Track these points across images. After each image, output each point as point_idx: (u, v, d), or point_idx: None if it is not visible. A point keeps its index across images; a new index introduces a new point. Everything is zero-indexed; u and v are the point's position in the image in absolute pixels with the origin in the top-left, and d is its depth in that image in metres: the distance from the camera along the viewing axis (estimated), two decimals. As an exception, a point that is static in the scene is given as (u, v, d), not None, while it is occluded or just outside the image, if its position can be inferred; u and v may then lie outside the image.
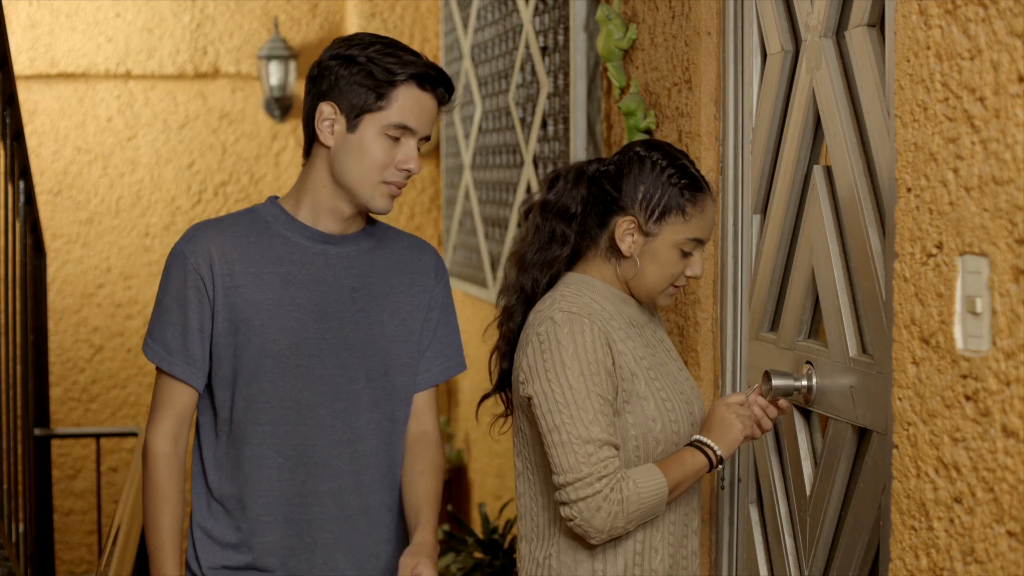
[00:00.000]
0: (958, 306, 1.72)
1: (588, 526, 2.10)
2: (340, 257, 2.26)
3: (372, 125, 2.16)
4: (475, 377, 5.32)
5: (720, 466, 2.22)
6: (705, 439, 2.21)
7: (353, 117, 2.16)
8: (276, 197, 2.30)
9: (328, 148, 2.19)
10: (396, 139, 2.17)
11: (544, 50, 4.04)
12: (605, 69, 3.09)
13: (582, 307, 2.19)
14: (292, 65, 5.89)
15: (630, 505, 2.10)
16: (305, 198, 2.24)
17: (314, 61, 2.23)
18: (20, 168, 3.97)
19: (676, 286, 2.26)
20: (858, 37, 2.19)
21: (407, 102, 2.16)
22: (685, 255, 2.23)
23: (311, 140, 2.23)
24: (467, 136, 5.13)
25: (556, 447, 2.12)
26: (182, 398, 2.22)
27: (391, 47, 2.18)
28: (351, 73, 2.15)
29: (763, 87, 2.57)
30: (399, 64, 2.16)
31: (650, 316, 2.34)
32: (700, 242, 2.24)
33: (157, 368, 2.22)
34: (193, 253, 2.18)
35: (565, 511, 2.12)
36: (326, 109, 2.17)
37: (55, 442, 5.56)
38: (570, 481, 2.10)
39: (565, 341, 2.15)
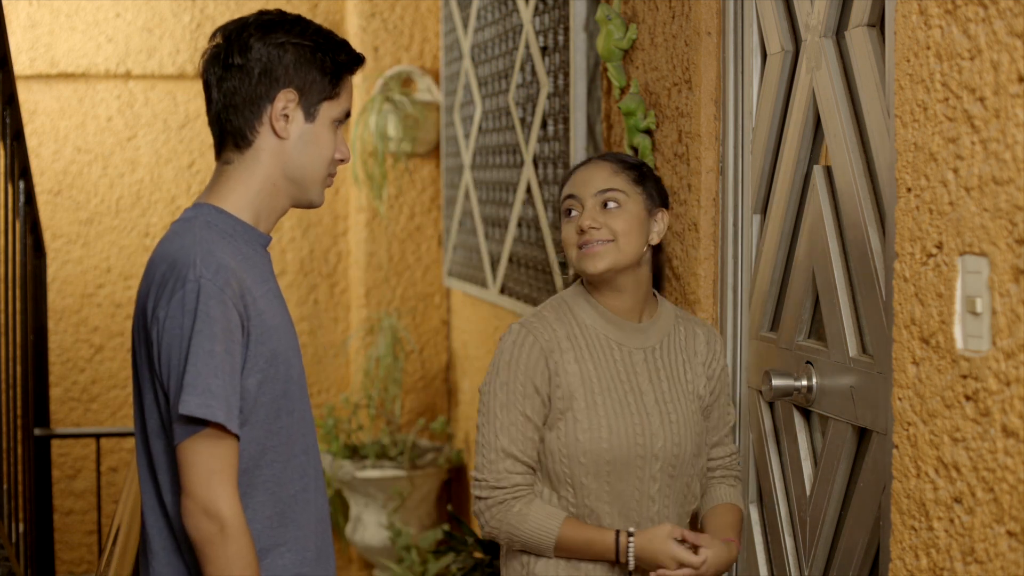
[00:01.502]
0: (958, 306, 1.73)
1: (481, 520, 2.31)
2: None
3: (327, 114, 2.03)
4: (475, 378, 5.32)
5: (623, 562, 2.25)
6: (632, 534, 2.24)
7: (313, 105, 2.01)
8: (206, 204, 2.03)
9: (282, 140, 2.01)
10: (335, 128, 2.06)
11: (544, 50, 4.04)
12: (605, 69, 3.09)
13: (541, 322, 2.33)
14: (292, 65, 5.88)
15: (509, 528, 2.28)
16: (252, 199, 2.02)
17: (226, 47, 2.00)
18: (20, 168, 3.97)
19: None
20: (858, 37, 2.19)
21: (350, 89, 2.07)
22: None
23: (244, 133, 2.00)
24: (467, 136, 5.13)
25: (475, 444, 2.33)
26: (237, 457, 1.92)
27: (325, 31, 2.04)
28: (304, 59, 1.99)
29: (763, 87, 2.57)
30: (344, 50, 2.04)
31: (657, 343, 2.38)
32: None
33: (213, 426, 1.88)
34: (228, 286, 1.90)
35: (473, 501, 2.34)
36: (287, 97, 1.99)
37: (55, 442, 5.56)
38: (476, 479, 2.31)
39: (506, 351, 2.31)
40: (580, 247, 2.31)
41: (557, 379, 2.29)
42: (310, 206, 2.09)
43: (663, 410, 2.32)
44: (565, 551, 2.27)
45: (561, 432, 2.28)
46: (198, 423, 1.87)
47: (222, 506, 1.87)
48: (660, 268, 2.50)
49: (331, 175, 2.08)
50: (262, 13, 2.03)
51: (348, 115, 2.08)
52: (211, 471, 1.87)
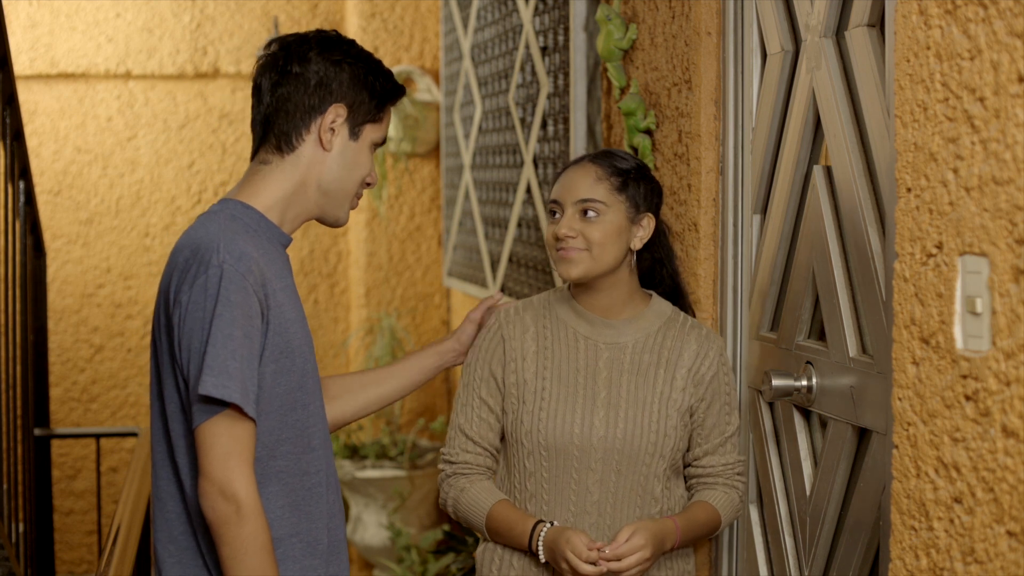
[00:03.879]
0: (958, 306, 1.73)
1: (440, 490, 2.46)
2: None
3: (368, 136, 2.12)
4: (475, 377, 5.31)
5: (534, 551, 2.30)
6: (551, 526, 2.29)
7: (358, 124, 2.10)
8: (233, 199, 2.08)
9: (325, 152, 2.08)
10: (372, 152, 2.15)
11: (544, 50, 4.04)
12: (605, 69, 3.09)
13: (515, 311, 2.44)
14: (292, 65, 5.87)
15: (454, 501, 2.41)
16: (281, 200, 2.08)
17: (285, 55, 2.08)
18: (20, 168, 3.97)
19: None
20: (858, 37, 2.19)
21: (389, 118, 2.16)
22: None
23: (290, 138, 2.07)
24: (467, 136, 5.13)
25: None
26: (254, 440, 1.95)
27: (375, 58, 2.14)
28: (358, 79, 2.08)
29: (763, 87, 2.57)
30: (392, 79, 2.14)
31: (631, 342, 2.39)
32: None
33: (231, 408, 1.92)
34: (250, 273, 1.95)
35: None
36: (337, 111, 2.07)
37: (55, 442, 5.56)
38: (440, 452, 2.48)
39: (479, 336, 2.47)
40: (558, 250, 2.36)
41: (512, 364, 2.40)
42: (336, 223, 2.16)
43: (612, 404, 2.35)
44: (493, 532, 2.37)
45: (511, 415, 2.39)
46: (216, 404, 1.91)
47: (238, 487, 1.90)
48: (656, 267, 2.49)
49: (358, 196, 2.15)
50: (321, 32, 2.13)
51: (384, 141, 2.16)
52: (228, 452, 1.91)
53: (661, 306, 2.45)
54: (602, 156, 2.41)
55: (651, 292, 2.47)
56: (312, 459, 2.07)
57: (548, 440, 2.35)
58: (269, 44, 2.12)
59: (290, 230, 2.12)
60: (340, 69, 2.07)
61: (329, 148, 2.08)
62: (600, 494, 2.34)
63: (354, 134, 2.09)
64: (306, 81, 2.06)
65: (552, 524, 2.30)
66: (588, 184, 2.35)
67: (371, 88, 2.09)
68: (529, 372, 2.39)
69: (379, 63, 2.13)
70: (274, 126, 2.08)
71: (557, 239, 2.35)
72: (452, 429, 2.44)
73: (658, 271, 2.49)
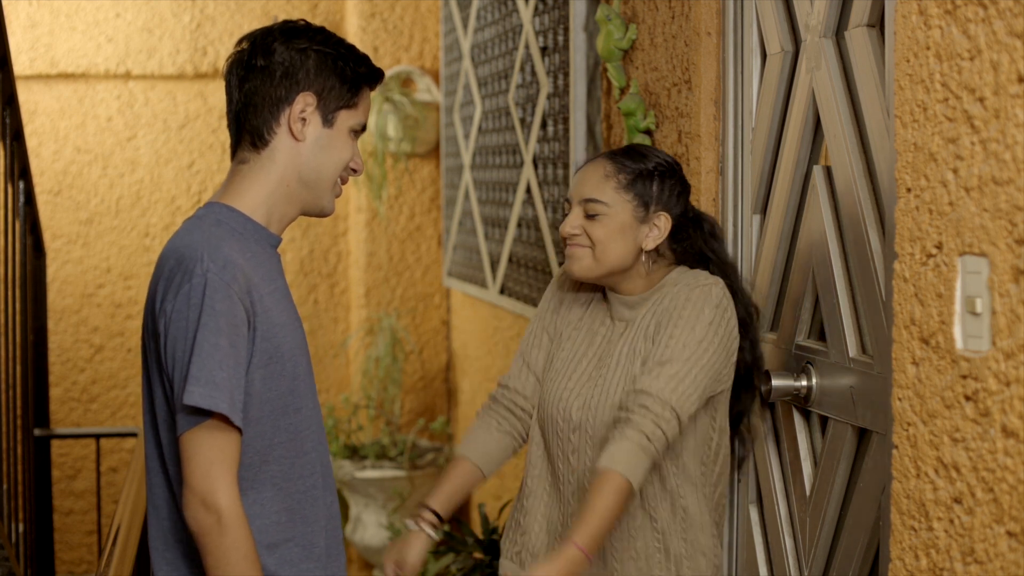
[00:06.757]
0: (958, 306, 1.73)
1: None
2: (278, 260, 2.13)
3: (344, 122, 2.07)
4: (475, 377, 5.32)
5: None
6: (431, 513, 2.42)
7: (330, 112, 2.05)
8: (218, 203, 2.05)
9: (298, 143, 2.04)
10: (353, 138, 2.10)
11: (544, 50, 4.04)
12: (605, 69, 3.09)
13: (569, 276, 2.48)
14: (292, 65, 5.87)
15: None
16: (265, 199, 2.05)
17: (250, 50, 2.05)
18: (20, 168, 3.97)
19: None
20: (858, 37, 2.19)
21: (368, 102, 2.12)
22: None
23: (261, 132, 2.04)
24: (467, 136, 5.13)
25: None
26: (238, 450, 1.93)
27: (347, 43, 2.10)
28: (326, 66, 2.04)
29: (763, 87, 2.57)
30: (365, 63, 2.09)
31: (640, 315, 2.36)
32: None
33: (216, 418, 1.90)
34: (235, 281, 1.92)
35: None
36: (306, 100, 2.03)
37: (55, 442, 5.55)
38: None
39: (549, 286, 2.54)
40: (565, 246, 2.37)
41: (556, 316, 2.47)
42: (321, 214, 2.11)
43: (602, 376, 2.33)
44: None
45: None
46: (201, 414, 1.89)
47: (220, 497, 1.89)
48: (705, 254, 2.36)
49: (343, 181, 2.11)
50: (287, 22, 2.09)
51: (364, 128, 2.11)
52: (211, 462, 1.89)
53: (678, 274, 2.33)
54: (620, 152, 2.35)
55: (678, 266, 2.36)
56: (307, 463, 2.05)
57: (544, 409, 2.41)
58: (240, 40, 2.08)
59: (278, 230, 2.09)
60: (305, 57, 2.03)
61: (302, 138, 2.04)
62: (577, 465, 2.35)
63: (327, 121, 2.05)
64: (271, 73, 2.02)
65: (432, 511, 2.39)
66: (594, 182, 2.32)
67: (341, 73, 2.05)
68: (565, 336, 2.44)
69: (351, 48, 2.08)
70: (245, 123, 2.05)
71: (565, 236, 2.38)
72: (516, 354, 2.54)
73: (712, 272, 2.35)
